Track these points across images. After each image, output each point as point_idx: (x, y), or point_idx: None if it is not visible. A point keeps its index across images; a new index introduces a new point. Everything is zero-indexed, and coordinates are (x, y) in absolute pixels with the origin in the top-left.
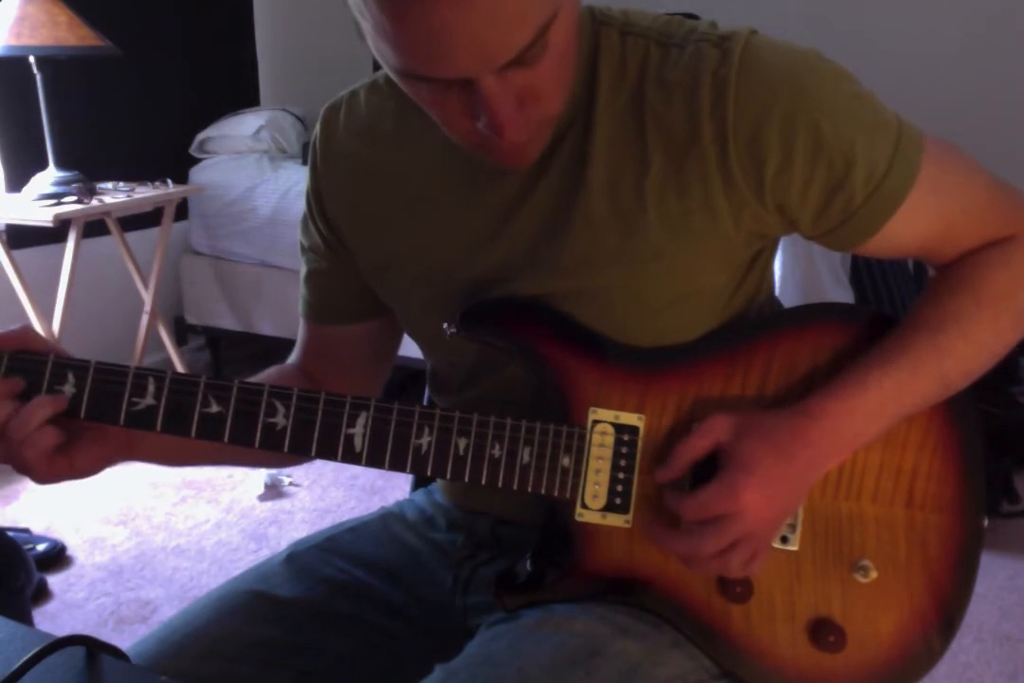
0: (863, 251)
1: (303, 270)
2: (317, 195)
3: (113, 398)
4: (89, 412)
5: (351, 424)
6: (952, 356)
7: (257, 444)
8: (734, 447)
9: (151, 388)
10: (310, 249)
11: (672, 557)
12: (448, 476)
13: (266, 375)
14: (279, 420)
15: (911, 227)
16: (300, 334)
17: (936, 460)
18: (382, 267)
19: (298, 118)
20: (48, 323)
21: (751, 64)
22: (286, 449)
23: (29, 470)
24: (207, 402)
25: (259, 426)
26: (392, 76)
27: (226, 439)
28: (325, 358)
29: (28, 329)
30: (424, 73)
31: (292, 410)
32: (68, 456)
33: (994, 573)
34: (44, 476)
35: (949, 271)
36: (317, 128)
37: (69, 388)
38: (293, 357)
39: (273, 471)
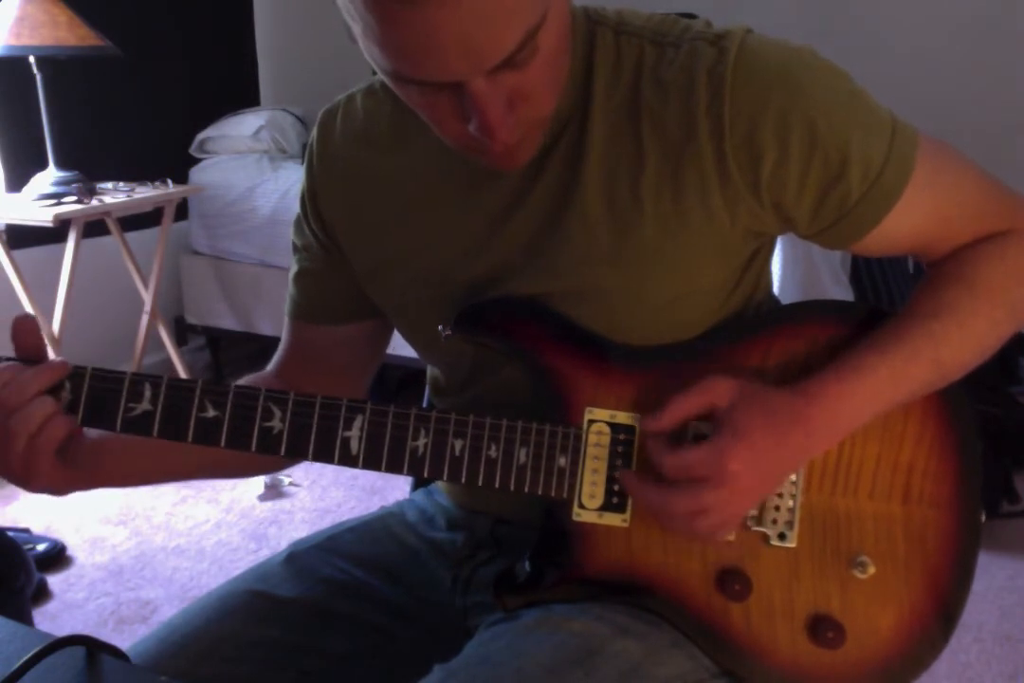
0: (859, 249)
1: (293, 269)
2: (312, 197)
3: (110, 404)
4: (86, 418)
5: (347, 427)
6: (947, 344)
7: (254, 448)
8: (730, 413)
9: (147, 393)
10: (303, 249)
11: (671, 556)
12: (445, 477)
13: (243, 384)
14: (275, 424)
15: (907, 223)
16: (284, 335)
17: (933, 455)
18: (378, 270)
19: (298, 118)
20: (48, 323)
21: (747, 62)
22: (283, 453)
23: (34, 466)
24: (203, 407)
25: (255, 430)
26: (384, 79)
27: (222, 444)
28: (308, 360)
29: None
30: (414, 76)
31: (288, 414)
32: (62, 463)
33: (994, 573)
34: (46, 478)
35: (944, 264)
36: (314, 132)
37: (66, 394)
38: (273, 363)
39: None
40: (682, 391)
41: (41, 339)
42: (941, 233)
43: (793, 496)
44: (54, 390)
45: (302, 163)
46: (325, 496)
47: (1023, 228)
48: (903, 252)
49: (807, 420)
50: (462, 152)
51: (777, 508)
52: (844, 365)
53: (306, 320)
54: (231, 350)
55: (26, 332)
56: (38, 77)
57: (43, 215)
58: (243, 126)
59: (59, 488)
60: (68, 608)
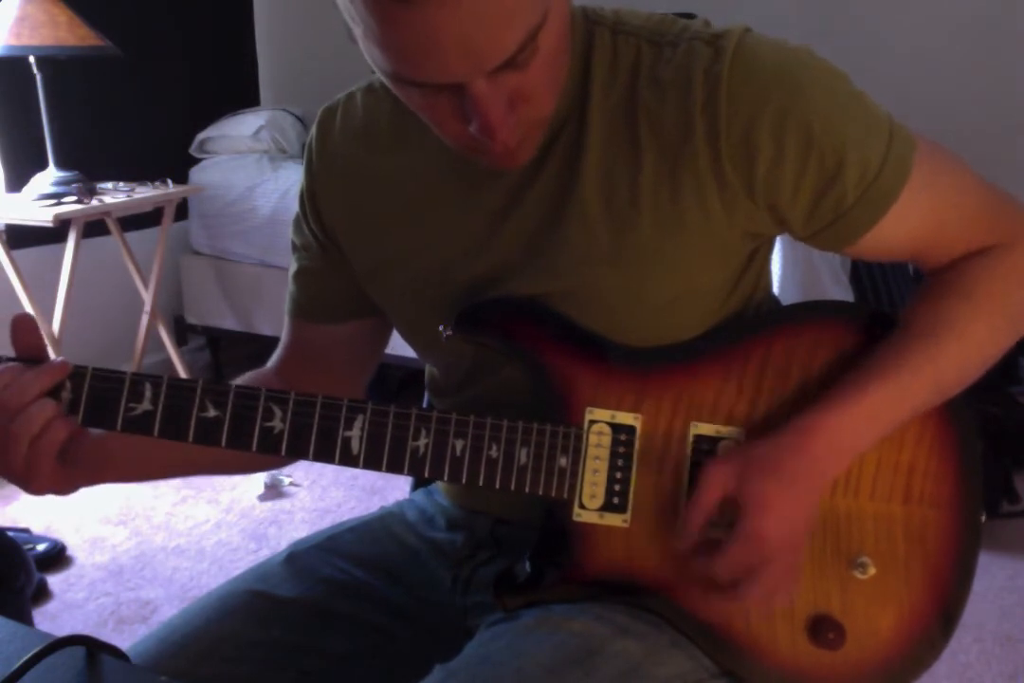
0: (854, 252)
1: (293, 267)
2: (312, 196)
3: (110, 404)
4: (87, 418)
5: (348, 427)
6: (947, 360)
7: (255, 448)
8: (743, 492)
9: (148, 393)
10: (302, 247)
11: (671, 557)
12: (446, 478)
13: (242, 381)
14: (276, 424)
15: (903, 227)
16: (284, 333)
17: (933, 456)
18: (377, 269)
19: (298, 118)
20: (48, 323)
21: (744, 62)
22: (283, 453)
23: (36, 468)
24: (204, 407)
25: (256, 430)
26: (384, 80)
27: (223, 443)
28: (307, 359)
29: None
30: (415, 77)
31: (289, 414)
32: (63, 465)
33: (994, 573)
34: (47, 479)
35: (942, 275)
36: (313, 130)
37: (67, 394)
38: (273, 360)
39: (273, 470)
40: (690, 499)
41: (41, 338)
42: (937, 237)
43: None
44: (55, 390)
45: (302, 163)
46: (325, 496)
47: (1020, 238)
48: (899, 257)
49: (811, 456)
50: (462, 152)
51: None
52: (844, 390)
53: (305, 319)
54: (231, 350)
55: (25, 331)
56: (38, 77)
57: (43, 215)
58: (243, 126)
59: (62, 488)
60: (68, 608)
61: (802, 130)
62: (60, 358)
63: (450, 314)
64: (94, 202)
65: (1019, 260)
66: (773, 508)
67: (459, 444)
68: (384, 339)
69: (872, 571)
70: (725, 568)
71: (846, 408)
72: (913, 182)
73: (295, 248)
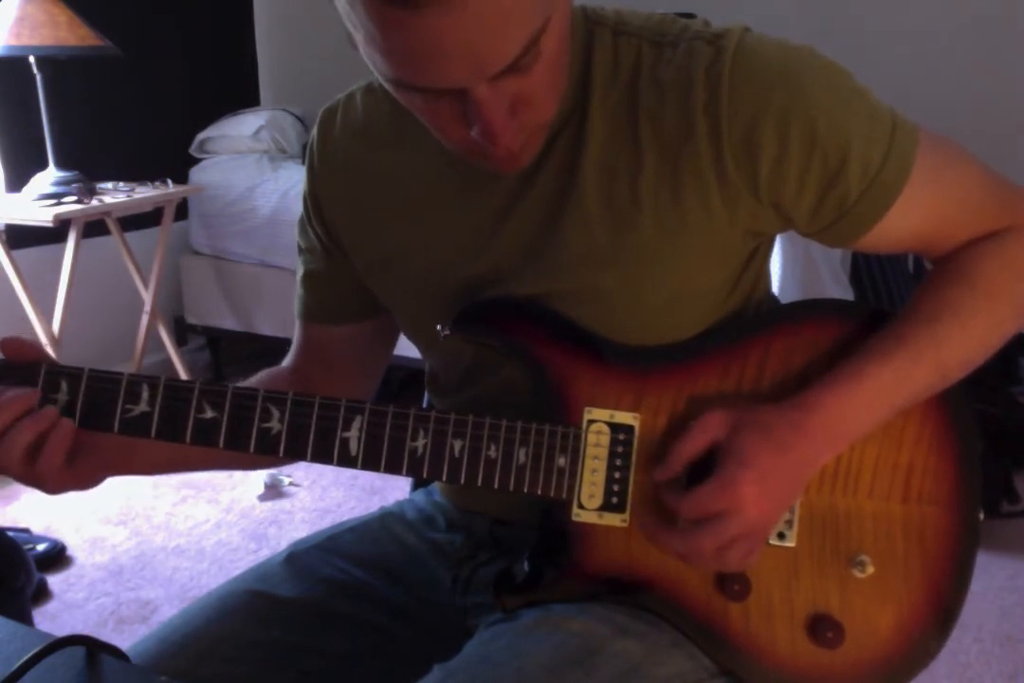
0: (860, 246)
1: (300, 270)
2: (314, 198)
3: (107, 405)
4: (83, 420)
5: (346, 428)
6: (949, 346)
7: (252, 449)
8: (730, 442)
9: (145, 395)
10: (307, 250)
11: (670, 556)
12: (444, 478)
13: (257, 379)
14: (274, 425)
15: (907, 221)
16: (296, 335)
17: (932, 455)
18: (379, 268)
19: (298, 118)
20: (48, 323)
21: (745, 61)
22: (281, 454)
23: (40, 478)
24: (201, 408)
25: (254, 431)
26: (385, 85)
27: (221, 444)
28: (320, 359)
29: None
30: (417, 83)
31: (287, 414)
32: (74, 466)
33: (994, 573)
34: (55, 484)
35: (946, 263)
36: (314, 131)
37: (63, 396)
38: (288, 359)
39: (273, 471)
40: (681, 436)
41: (32, 349)
42: (942, 230)
43: None
44: (51, 390)
45: (302, 163)
46: (325, 496)
47: (1023, 224)
48: (905, 250)
49: (808, 430)
50: (464, 156)
51: None
52: (845, 371)
53: (314, 321)
54: (231, 350)
55: (15, 352)
56: (38, 77)
57: (43, 215)
58: (243, 126)
59: (81, 486)
60: (68, 608)
61: (806, 129)
62: (29, 389)
63: (449, 314)
64: (94, 202)
65: (1021, 252)
66: (753, 464)
67: (457, 444)
68: (392, 340)
69: (871, 570)
70: (690, 505)
71: (846, 388)
72: (915, 178)
73: (300, 251)
